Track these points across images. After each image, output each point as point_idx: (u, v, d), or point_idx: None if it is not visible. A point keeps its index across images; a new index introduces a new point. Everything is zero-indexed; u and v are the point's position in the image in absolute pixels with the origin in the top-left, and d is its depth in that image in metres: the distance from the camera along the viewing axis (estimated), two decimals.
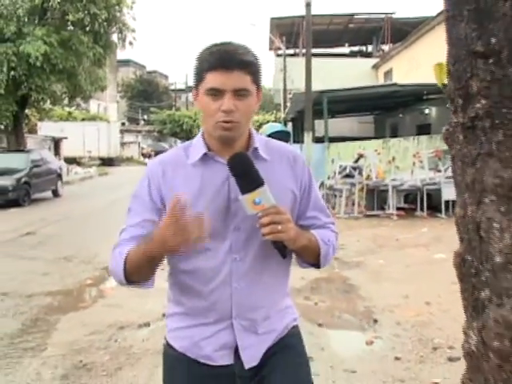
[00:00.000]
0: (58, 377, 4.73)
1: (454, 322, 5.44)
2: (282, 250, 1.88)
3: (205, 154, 1.97)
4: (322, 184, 14.74)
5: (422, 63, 26.79)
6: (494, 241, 1.53)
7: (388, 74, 33.40)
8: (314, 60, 36.57)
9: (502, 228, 1.52)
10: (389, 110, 28.72)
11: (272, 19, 37.85)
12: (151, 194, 1.98)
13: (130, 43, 26.70)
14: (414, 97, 23.23)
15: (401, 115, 28.97)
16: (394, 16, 37.38)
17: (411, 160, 15.59)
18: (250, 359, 1.98)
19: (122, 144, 49.75)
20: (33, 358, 5.16)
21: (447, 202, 13.39)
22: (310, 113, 17.64)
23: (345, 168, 14.11)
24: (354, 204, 14.12)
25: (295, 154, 2.12)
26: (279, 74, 35.65)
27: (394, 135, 27.65)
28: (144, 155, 52.15)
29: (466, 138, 1.67)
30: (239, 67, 1.84)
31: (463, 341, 1.65)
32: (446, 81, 1.79)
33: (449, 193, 12.85)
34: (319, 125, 26.16)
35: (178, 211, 1.68)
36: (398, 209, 14.18)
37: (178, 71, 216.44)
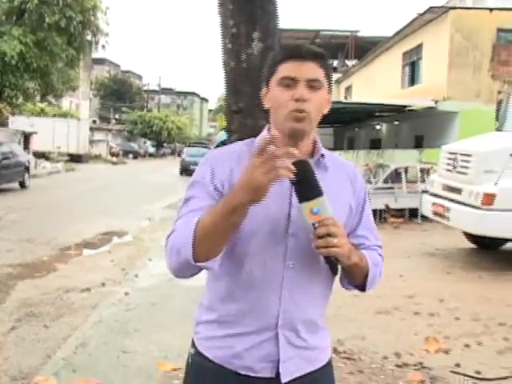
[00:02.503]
0: (13, 320, 6.18)
1: None
2: (333, 264, 1.81)
3: None
4: None
5: (377, 81, 28.61)
6: None
7: (348, 89, 35.24)
8: None
9: None
10: (347, 123, 30.33)
11: None
12: (214, 181, 1.88)
13: (103, 46, 28.12)
14: (368, 113, 24.69)
15: (357, 129, 30.75)
16: (358, 34, 39.34)
17: None
18: (288, 372, 1.89)
19: (91, 142, 50.68)
20: None
21: (374, 211, 15.00)
22: None
23: None
24: None
25: (355, 170, 2.10)
26: None
27: (351, 147, 29.42)
28: (112, 154, 53.27)
29: None
30: (313, 58, 1.84)
31: None
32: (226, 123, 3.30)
33: (376, 202, 14.45)
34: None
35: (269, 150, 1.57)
36: None
37: (152, 72, 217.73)
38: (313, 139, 1.94)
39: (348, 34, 39.23)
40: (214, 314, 1.95)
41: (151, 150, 71.30)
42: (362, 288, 2.01)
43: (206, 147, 38.18)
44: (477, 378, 4.98)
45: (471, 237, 11.33)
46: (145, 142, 72.84)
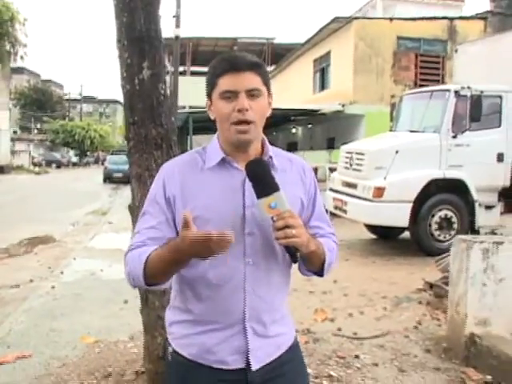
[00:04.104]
0: None
1: None
2: (293, 254, 1.91)
3: (222, 159, 2.01)
4: None
5: (292, 86, 29.79)
6: None
7: None
8: (200, 78, 38.93)
9: None
10: (265, 128, 31.13)
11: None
12: (166, 195, 2.00)
13: (21, 57, 28.26)
14: (284, 117, 25.70)
15: (274, 133, 31.85)
16: (274, 41, 40.61)
17: None
18: (258, 361, 2.01)
19: (13, 152, 50.08)
20: None
21: None
22: (176, 129, 19.74)
23: None
24: None
25: (304, 165, 2.19)
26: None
27: None
28: (35, 164, 52.74)
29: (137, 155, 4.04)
30: (249, 68, 1.93)
31: None
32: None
33: None
34: (202, 140, 28.58)
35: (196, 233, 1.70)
36: None
37: (74, 81, 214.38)
38: (261, 141, 2.07)
39: (264, 41, 40.43)
40: (184, 314, 2.05)
41: (74, 159, 70.57)
42: (320, 273, 2.15)
43: None
44: (353, 338, 5.88)
45: (370, 228, 12.55)
46: (68, 152, 72.20)
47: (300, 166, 2.17)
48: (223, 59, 1.98)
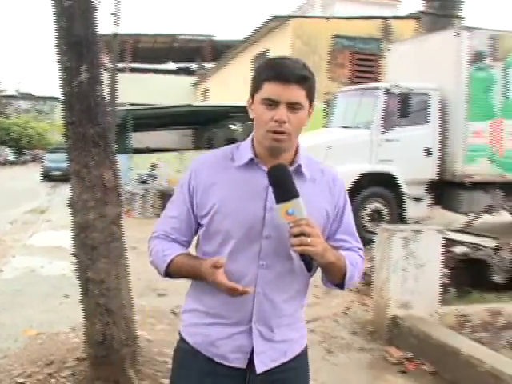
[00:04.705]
0: None
1: None
2: (308, 262, 1.90)
3: (251, 160, 2.03)
4: (124, 190, 17.23)
5: (231, 83, 30.04)
6: None
7: (206, 91, 36.37)
8: (140, 75, 38.94)
9: None
10: (205, 124, 31.43)
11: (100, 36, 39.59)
12: (190, 186, 2.07)
13: None
14: (223, 114, 25.83)
15: (214, 130, 32.02)
16: (214, 38, 40.75)
17: None
18: (262, 365, 2.03)
19: None
20: None
21: None
22: (114, 127, 19.75)
23: (142, 176, 16.71)
24: (152, 206, 16.58)
25: (335, 176, 2.18)
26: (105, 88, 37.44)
27: (210, 147, 30.62)
28: None
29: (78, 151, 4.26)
30: (296, 81, 1.92)
31: None
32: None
33: None
34: (143, 136, 28.64)
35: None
36: None
37: (10, 77, 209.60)
38: (295, 149, 2.07)
39: (204, 38, 40.53)
40: (197, 304, 2.12)
41: (11, 157, 69.15)
42: (341, 286, 2.12)
43: None
44: None
45: None
46: (4, 150, 70.62)
47: (331, 177, 2.16)
48: (273, 64, 1.98)
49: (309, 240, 1.83)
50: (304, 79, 1.94)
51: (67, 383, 4.33)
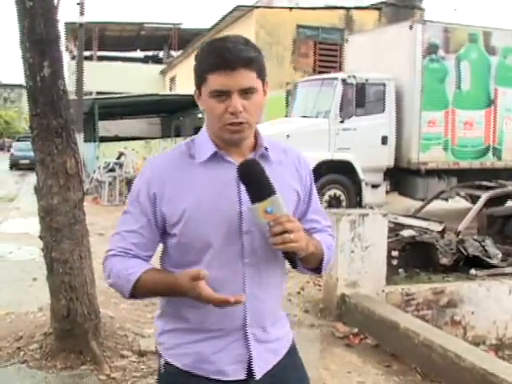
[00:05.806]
0: None
1: None
2: (292, 259, 1.79)
3: (214, 154, 1.86)
4: (91, 178, 17.50)
5: None
6: None
7: (173, 80, 36.47)
8: (108, 63, 38.86)
9: None
10: (173, 113, 31.57)
11: (66, 24, 39.36)
12: (149, 193, 1.85)
13: None
14: (191, 102, 25.94)
15: (181, 118, 32.19)
16: (181, 27, 40.82)
17: None
18: (260, 369, 1.91)
19: None
20: None
21: None
22: (80, 116, 19.74)
23: (109, 164, 16.92)
24: (120, 194, 16.76)
25: (299, 155, 2.05)
26: (72, 76, 37.35)
27: (178, 135, 30.84)
28: None
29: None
30: (243, 65, 1.73)
31: None
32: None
33: None
34: (110, 125, 28.78)
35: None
36: None
37: None
38: (254, 134, 1.91)
39: (171, 26, 40.53)
40: (177, 323, 1.92)
41: None
42: (318, 271, 2.02)
43: None
44: None
45: None
46: None
47: (295, 156, 2.03)
48: (213, 51, 1.78)
49: (292, 237, 1.71)
50: (251, 60, 1.76)
51: (35, 355, 4.69)
